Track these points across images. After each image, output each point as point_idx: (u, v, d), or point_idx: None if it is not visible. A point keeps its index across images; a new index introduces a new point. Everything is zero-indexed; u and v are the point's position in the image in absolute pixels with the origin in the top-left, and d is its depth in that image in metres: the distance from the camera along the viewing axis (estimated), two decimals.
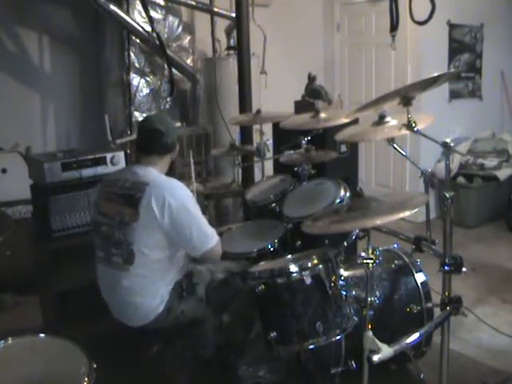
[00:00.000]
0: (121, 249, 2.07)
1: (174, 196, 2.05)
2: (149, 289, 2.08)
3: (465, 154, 4.98)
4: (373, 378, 1.88)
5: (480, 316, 2.95)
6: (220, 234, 2.26)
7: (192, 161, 2.59)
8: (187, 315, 2.18)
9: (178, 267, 2.18)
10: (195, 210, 2.12)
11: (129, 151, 3.50)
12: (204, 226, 2.13)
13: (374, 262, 1.85)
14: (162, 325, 2.14)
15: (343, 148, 3.55)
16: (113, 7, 3.88)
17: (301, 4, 5.33)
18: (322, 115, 2.73)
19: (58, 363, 1.63)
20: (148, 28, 4.04)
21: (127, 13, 4.05)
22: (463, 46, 5.18)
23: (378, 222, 1.76)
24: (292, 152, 2.97)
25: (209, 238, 2.13)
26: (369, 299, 1.88)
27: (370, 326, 1.83)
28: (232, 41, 4.53)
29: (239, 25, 3.54)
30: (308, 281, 1.94)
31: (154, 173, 2.14)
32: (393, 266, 2.45)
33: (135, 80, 4.20)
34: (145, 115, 4.14)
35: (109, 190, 2.19)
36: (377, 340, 1.79)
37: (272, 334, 1.95)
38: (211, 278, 2.27)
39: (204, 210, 2.25)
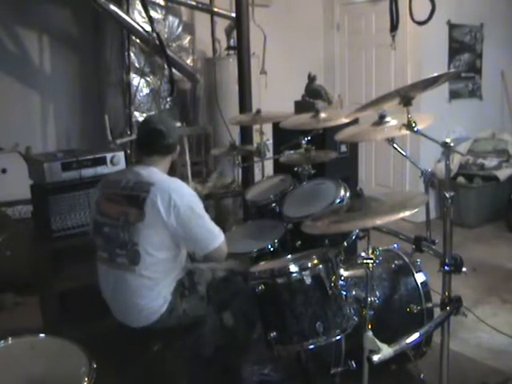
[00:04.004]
0: (126, 249, 2.07)
1: (179, 196, 2.06)
2: (153, 290, 2.08)
3: (465, 154, 4.98)
4: (373, 378, 1.88)
5: (480, 316, 2.95)
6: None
7: (189, 162, 2.58)
8: (189, 314, 2.17)
9: (180, 267, 2.19)
10: (200, 209, 2.12)
11: (129, 151, 3.50)
12: (210, 224, 2.14)
13: (374, 261, 1.85)
14: (164, 325, 2.14)
15: (343, 148, 3.55)
16: (113, 7, 3.88)
17: (301, 4, 5.33)
18: (322, 115, 2.73)
19: (58, 363, 1.63)
20: (148, 28, 4.04)
21: (127, 13, 4.04)
22: (463, 45, 5.18)
23: (378, 222, 1.76)
24: (292, 152, 2.96)
25: (215, 236, 2.14)
26: (369, 299, 1.88)
27: (369, 326, 1.83)
28: (232, 41, 4.53)
29: (239, 25, 3.54)
30: (308, 281, 1.94)
31: (157, 173, 2.14)
32: (393, 265, 2.45)
33: (135, 80, 4.19)
34: (145, 115, 4.15)
35: (110, 191, 2.19)
36: (377, 340, 1.78)
37: (272, 334, 1.95)
38: (212, 276, 2.28)
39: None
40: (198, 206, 2.12)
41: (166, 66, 4.18)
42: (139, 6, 4.05)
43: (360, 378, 1.89)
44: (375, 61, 5.35)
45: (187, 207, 2.06)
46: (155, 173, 2.14)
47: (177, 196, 2.05)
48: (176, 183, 2.13)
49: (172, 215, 2.03)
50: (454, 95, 5.16)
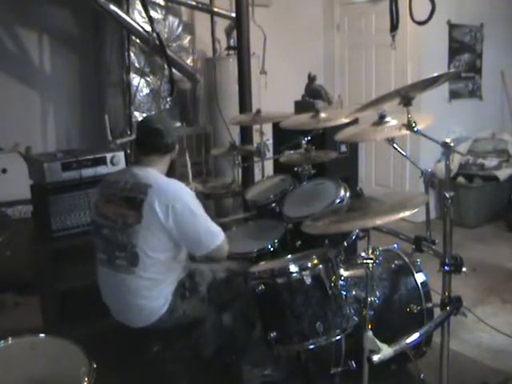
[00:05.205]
0: (124, 251, 2.06)
1: (177, 198, 2.05)
2: (153, 290, 2.08)
3: (465, 154, 4.98)
4: (373, 378, 1.88)
5: (480, 316, 2.95)
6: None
7: (189, 163, 2.56)
8: (189, 315, 2.18)
9: (181, 267, 2.19)
10: (199, 209, 2.11)
11: (129, 151, 3.50)
12: (209, 224, 2.13)
13: (374, 261, 1.85)
14: (165, 325, 2.14)
15: (343, 148, 3.56)
16: (113, 7, 3.88)
17: (301, 4, 5.33)
18: (322, 115, 2.73)
19: (58, 363, 1.63)
20: (148, 28, 4.04)
21: (127, 13, 4.04)
22: (463, 45, 5.18)
23: (378, 222, 1.76)
24: (292, 152, 2.97)
25: (216, 235, 2.13)
26: (369, 299, 1.88)
27: (369, 326, 1.83)
28: (232, 41, 4.53)
29: (239, 25, 3.54)
30: (308, 281, 1.94)
31: (155, 174, 2.14)
32: (393, 266, 2.45)
33: (135, 80, 4.19)
34: (145, 115, 4.15)
35: (109, 192, 2.18)
36: (377, 340, 1.78)
37: (272, 334, 1.95)
38: (213, 277, 2.28)
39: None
40: (196, 206, 2.11)
41: (166, 66, 4.18)
42: (139, 6, 4.05)
43: (360, 378, 1.89)
44: (375, 61, 5.35)
45: (185, 208, 2.05)
46: (153, 174, 2.13)
47: (174, 198, 2.04)
48: (174, 185, 2.12)
49: (170, 217, 2.02)
50: (453, 95, 5.16)
